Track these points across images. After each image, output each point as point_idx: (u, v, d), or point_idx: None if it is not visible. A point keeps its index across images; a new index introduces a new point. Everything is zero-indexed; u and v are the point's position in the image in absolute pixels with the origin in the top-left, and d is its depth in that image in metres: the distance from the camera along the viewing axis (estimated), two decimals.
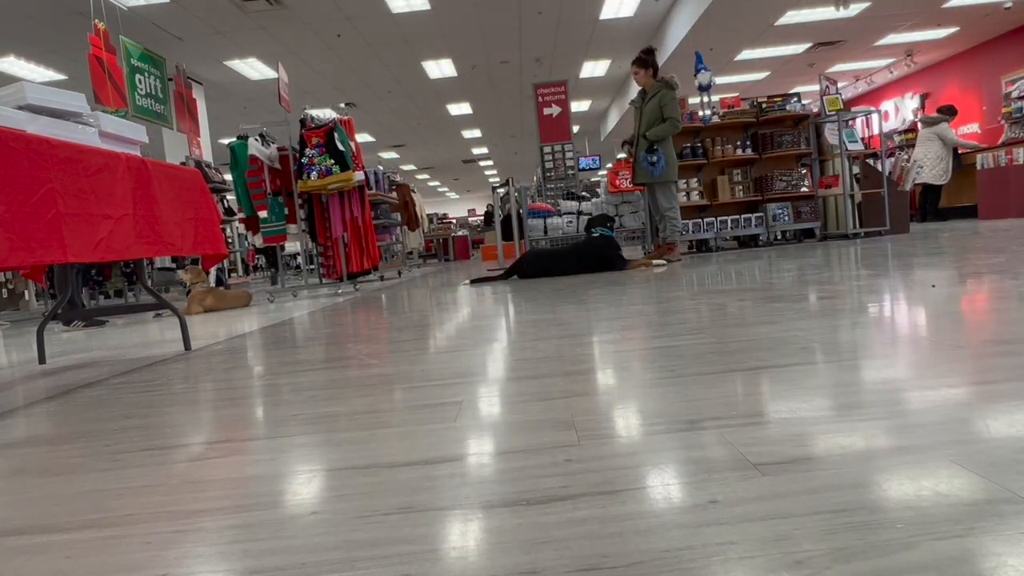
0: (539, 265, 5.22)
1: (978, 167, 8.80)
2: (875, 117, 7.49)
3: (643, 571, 0.56)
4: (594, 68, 12.28)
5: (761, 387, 1.12)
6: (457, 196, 32.01)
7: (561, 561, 0.59)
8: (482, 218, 20.43)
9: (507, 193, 6.92)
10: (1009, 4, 9.69)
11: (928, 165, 8.99)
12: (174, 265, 7.35)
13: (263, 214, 6.03)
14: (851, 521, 0.61)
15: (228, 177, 15.65)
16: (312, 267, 9.92)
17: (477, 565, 0.60)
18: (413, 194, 10.36)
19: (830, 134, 6.86)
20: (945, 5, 9.60)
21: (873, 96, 14.64)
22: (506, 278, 5.25)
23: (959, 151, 9.26)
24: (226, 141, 13.88)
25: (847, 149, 6.54)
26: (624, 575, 0.56)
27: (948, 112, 9.24)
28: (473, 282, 5.22)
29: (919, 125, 9.54)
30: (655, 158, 5.41)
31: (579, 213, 7.01)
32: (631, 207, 7.03)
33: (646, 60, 5.49)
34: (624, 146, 5.98)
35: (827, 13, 9.41)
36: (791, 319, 1.83)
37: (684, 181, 6.98)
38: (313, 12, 8.35)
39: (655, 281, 3.69)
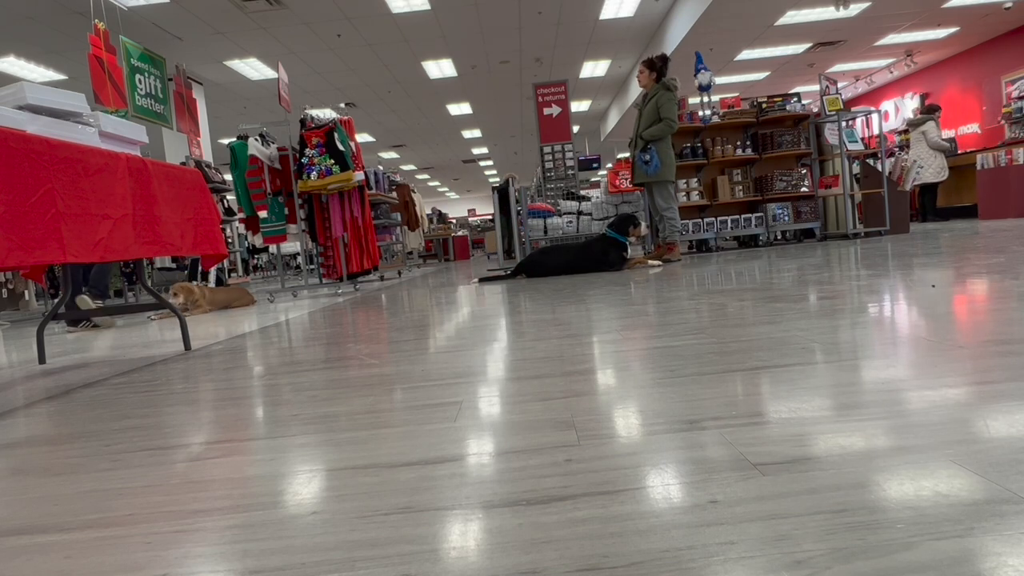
0: (543, 263, 5.30)
1: (978, 167, 8.80)
2: (875, 117, 7.49)
3: (643, 571, 0.56)
4: (594, 68, 12.28)
5: (761, 387, 1.12)
6: (457, 196, 32.02)
7: (561, 561, 0.59)
8: (484, 217, 20.49)
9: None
10: (1009, 4, 9.69)
11: (924, 164, 9.00)
12: (174, 265, 7.35)
13: (263, 214, 6.03)
14: (851, 521, 0.61)
15: (228, 177, 15.60)
16: (312, 267, 9.94)
17: (477, 565, 0.60)
18: (413, 194, 10.36)
19: (830, 134, 6.86)
20: (945, 5, 9.61)
21: (873, 96, 14.65)
22: (512, 277, 5.35)
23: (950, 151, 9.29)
24: (226, 141, 13.90)
25: (847, 149, 6.54)
26: (624, 575, 0.56)
27: (931, 111, 9.25)
28: (482, 280, 5.36)
29: (910, 128, 9.56)
30: (648, 157, 5.47)
31: (579, 213, 7.01)
32: (631, 207, 7.03)
33: (655, 63, 5.56)
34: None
35: (827, 13, 9.41)
36: (791, 319, 1.83)
37: (684, 181, 6.99)
38: (313, 12, 8.35)
39: (655, 281, 3.69)
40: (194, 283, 5.04)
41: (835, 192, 6.66)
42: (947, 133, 11.26)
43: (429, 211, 17.39)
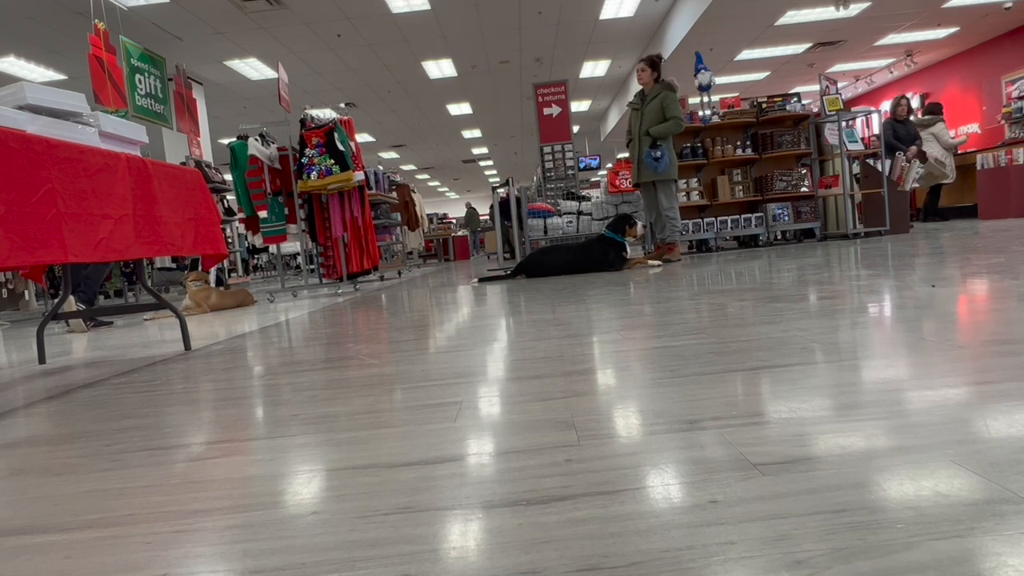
0: (543, 263, 5.30)
1: (978, 167, 8.80)
2: (875, 117, 7.49)
3: (643, 571, 0.56)
4: (594, 68, 12.28)
5: (761, 387, 1.12)
6: (457, 196, 32.01)
7: (561, 561, 0.59)
8: (484, 217, 20.75)
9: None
10: (1009, 4, 9.69)
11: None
12: (174, 265, 7.35)
13: (263, 214, 6.03)
14: (851, 521, 0.61)
15: (228, 177, 15.60)
16: (312, 267, 9.95)
17: (477, 565, 0.60)
18: (413, 194, 10.36)
19: (830, 134, 6.86)
20: (945, 5, 9.61)
21: (873, 96, 14.65)
22: (512, 277, 5.36)
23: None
24: (226, 141, 13.90)
25: (847, 149, 6.54)
26: (624, 575, 0.56)
27: (937, 111, 9.24)
28: (481, 280, 5.36)
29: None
30: (659, 154, 5.43)
31: (579, 213, 7.01)
32: (631, 207, 7.03)
33: (656, 62, 5.58)
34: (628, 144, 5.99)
35: (827, 13, 9.41)
36: (791, 319, 1.83)
37: (684, 181, 6.99)
38: (313, 12, 8.35)
39: (655, 281, 3.69)
40: (205, 284, 5.03)
41: (835, 192, 6.66)
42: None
43: (458, 211, 18.23)
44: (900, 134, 7.83)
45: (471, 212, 19.16)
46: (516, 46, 10.55)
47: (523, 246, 6.68)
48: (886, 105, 14.16)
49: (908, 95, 13.55)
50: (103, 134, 2.29)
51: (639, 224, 5.45)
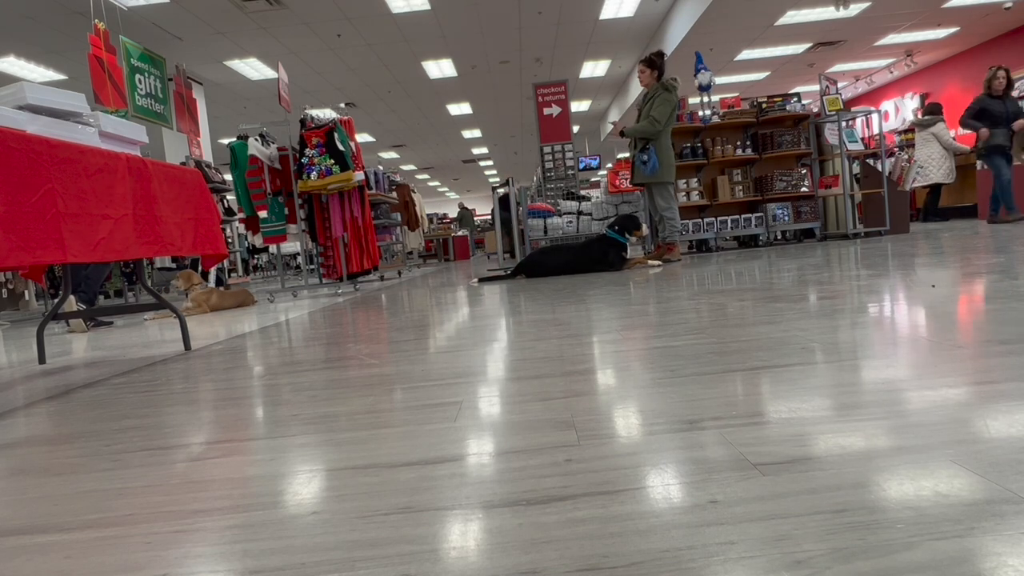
0: (543, 263, 5.30)
1: (978, 167, 8.79)
2: (875, 117, 7.49)
3: (643, 571, 0.56)
4: (594, 68, 12.28)
5: (761, 387, 1.12)
6: (457, 196, 32.01)
7: (561, 561, 0.59)
8: (484, 217, 20.71)
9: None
10: (1009, 4, 9.69)
11: (934, 166, 8.97)
12: (174, 265, 7.35)
13: (263, 214, 6.03)
14: (851, 521, 0.61)
15: (228, 177, 15.59)
16: (312, 267, 9.95)
17: (477, 565, 0.60)
18: (413, 194, 10.36)
19: (830, 134, 6.86)
20: (945, 5, 9.61)
21: (873, 96, 14.65)
22: (512, 277, 5.36)
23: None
24: (226, 141, 13.90)
25: (847, 149, 6.54)
26: (624, 575, 0.56)
27: (937, 111, 9.22)
28: (481, 280, 5.36)
29: (916, 128, 9.52)
30: (646, 157, 5.46)
31: (579, 213, 7.01)
32: (631, 207, 7.03)
33: (654, 61, 5.56)
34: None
35: (827, 13, 9.42)
36: (791, 319, 1.83)
37: (684, 181, 7.00)
38: (313, 12, 8.35)
39: (655, 281, 3.69)
40: (206, 284, 5.03)
41: (835, 192, 6.66)
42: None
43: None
44: (995, 111, 6.86)
45: (463, 213, 18.55)
46: (516, 46, 10.55)
47: (523, 246, 6.67)
48: (887, 105, 14.20)
49: (908, 95, 13.54)
50: (103, 134, 2.29)
51: (643, 225, 5.45)
